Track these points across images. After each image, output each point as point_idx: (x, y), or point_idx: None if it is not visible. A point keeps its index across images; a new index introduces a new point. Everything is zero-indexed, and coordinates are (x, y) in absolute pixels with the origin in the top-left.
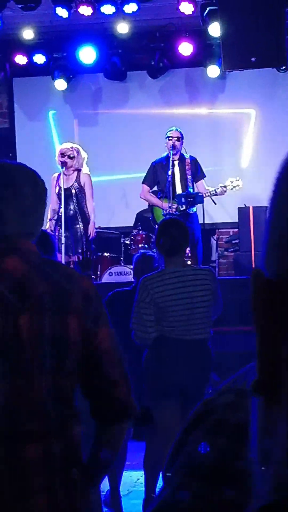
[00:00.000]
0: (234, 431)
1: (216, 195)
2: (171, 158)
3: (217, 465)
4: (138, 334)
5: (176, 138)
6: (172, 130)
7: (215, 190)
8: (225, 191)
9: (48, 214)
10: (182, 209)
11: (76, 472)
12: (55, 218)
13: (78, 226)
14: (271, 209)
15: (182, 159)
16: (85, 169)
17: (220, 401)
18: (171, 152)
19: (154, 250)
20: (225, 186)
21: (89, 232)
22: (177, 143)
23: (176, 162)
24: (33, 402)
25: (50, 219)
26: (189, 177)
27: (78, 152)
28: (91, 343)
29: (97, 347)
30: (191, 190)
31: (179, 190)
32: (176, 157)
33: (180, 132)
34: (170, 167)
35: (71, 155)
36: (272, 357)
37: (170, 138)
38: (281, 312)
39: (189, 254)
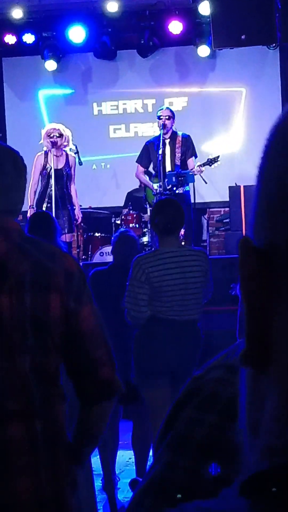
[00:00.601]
0: (225, 406)
1: (194, 175)
2: (161, 138)
3: (207, 441)
4: (132, 313)
5: (166, 117)
6: (163, 109)
7: (192, 169)
8: (201, 171)
9: (28, 198)
10: (167, 187)
11: (61, 452)
12: (42, 200)
13: (70, 207)
14: (259, 177)
15: (173, 137)
16: (71, 146)
17: (210, 376)
18: (162, 131)
19: (146, 230)
20: (200, 166)
21: (77, 216)
22: (167, 121)
23: (167, 141)
24: (15, 381)
25: (30, 206)
26: (178, 155)
27: (63, 130)
28: (74, 322)
29: (80, 326)
30: (181, 169)
31: (168, 168)
32: (168, 135)
33: (170, 111)
34: (161, 146)
35: (59, 133)
36: (260, 327)
37: (160, 117)
38: (269, 281)
39: (183, 235)
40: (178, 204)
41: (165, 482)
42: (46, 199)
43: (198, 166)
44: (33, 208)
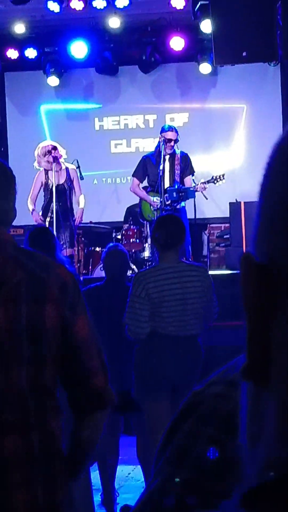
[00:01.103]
0: (224, 421)
1: (196, 191)
2: (162, 153)
3: (205, 456)
4: (132, 329)
5: (173, 141)
6: (172, 131)
7: (195, 186)
8: (204, 188)
9: (29, 207)
10: (167, 203)
11: (57, 465)
12: (45, 214)
13: (71, 222)
14: (261, 194)
15: (172, 154)
16: (69, 164)
17: (210, 391)
18: (162, 146)
19: (146, 245)
20: (204, 183)
21: (76, 217)
22: (173, 143)
23: (167, 157)
24: (11, 393)
25: (33, 210)
26: (177, 172)
27: (58, 146)
28: (69, 332)
29: (75, 336)
30: (177, 186)
31: (167, 184)
32: (171, 150)
33: (176, 132)
34: (161, 162)
35: (53, 147)
36: (261, 342)
37: (167, 140)
38: (270, 297)
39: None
40: (179, 219)
41: (165, 496)
42: (49, 214)
43: (202, 183)
44: (36, 212)
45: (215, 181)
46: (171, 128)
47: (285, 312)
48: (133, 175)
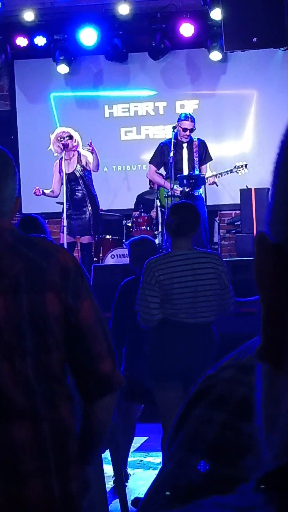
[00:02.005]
0: (236, 406)
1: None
2: (172, 141)
3: (218, 441)
4: (143, 316)
5: (190, 130)
6: (187, 121)
7: (209, 178)
8: (214, 182)
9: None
10: (179, 189)
11: (70, 452)
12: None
13: (86, 208)
14: (276, 172)
15: (190, 141)
16: (86, 154)
17: (222, 376)
18: (174, 134)
19: (157, 232)
20: (216, 175)
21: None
22: (189, 133)
23: (184, 145)
24: (17, 383)
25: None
26: (196, 159)
27: (72, 132)
28: (73, 318)
29: (80, 321)
30: (199, 172)
31: (186, 172)
32: (186, 140)
33: (193, 121)
34: (172, 149)
35: (69, 136)
36: (277, 323)
37: (183, 129)
38: (286, 276)
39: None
40: (193, 207)
41: (177, 480)
42: (66, 203)
43: (212, 176)
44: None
45: (238, 171)
46: (187, 117)
47: None
48: (150, 162)
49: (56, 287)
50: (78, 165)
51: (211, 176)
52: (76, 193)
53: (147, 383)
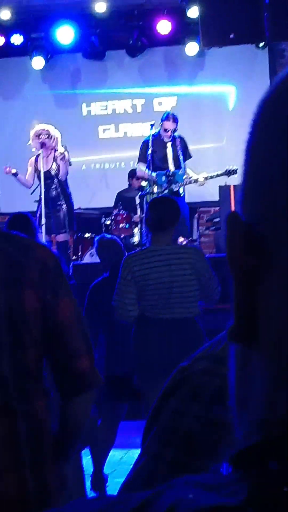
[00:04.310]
0: (210, 397)
1: (193, 183)
2: (151, 138)
3: (192, 432)
4: (119, 311)
5: (171, 130)
6: (169, 121)
7: (196, 179)
8: (204, 183)
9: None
10: (175, 190)
11: (45, 447)
12: (39, 201)
13: (60, 207)
14: (248, 150)
15: (173, 139)
16: (60, 149)
17: (196, 367)
18: (152, 131)
19: (136, 230)
20: (206, 178)
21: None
22: (171, 133)
23: (168, 144)
24: None
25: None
26: (181, 157)
27: (52, 130)
28: (51, 314)
29: (58, 318)
30: (184, 169)
31: (172, 169)
32: (169, 138)
33: (176, 121)
34: (150, 146)
35: (48, 134)
36: (248, 302)
37: (166, 129)
38: (258, 256)
39: (184, 243)
40: (172, 201)
41: (152, 473)
42: (40, 200)
43: (204, 178)
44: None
45: (229, 174)
46: (168, 117)
47: (271, 270)
48: (138, 162)
49: (35, 284)
50: (54, 163)
51: (202, 178)
52: (51, 191)
53: (131, 380)
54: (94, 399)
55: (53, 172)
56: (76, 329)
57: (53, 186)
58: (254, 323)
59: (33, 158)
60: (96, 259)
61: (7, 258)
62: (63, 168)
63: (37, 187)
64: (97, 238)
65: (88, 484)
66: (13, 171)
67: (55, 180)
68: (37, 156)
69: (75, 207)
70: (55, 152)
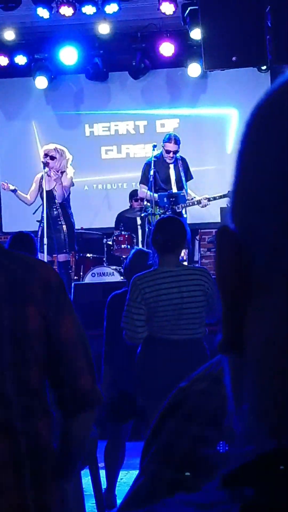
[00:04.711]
0: (209, 418)
1: (196, 205)
2: (153, 159)
3: (190, 453)
4: (128, 333)
5: (173, 152)
6: (170, 143)
7: (198, 201)
8: (207, 205)
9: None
10: (177, 210)
11: (46, 467)
12: (41, 220)
13: (60, 227)
14: (239, 163)
15: (175, 160)
16: (69, 172)
17: (194, 388)
18: (154, 152)
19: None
20: (208, 199)
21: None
22: (173, 155)
23: (171, 165)
24: None
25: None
26: (183, 178)
27: (61, 153)
28: (54, 332)
29: (60, 337)
30: (186, 190)
31: (174, 190)
32: (171, 160)
33: (178, 143)
34: (152, 167)
35: (53, 156)
36: (234, 315)
37: (168, 151)
38: (246, 269)
39: (185, 258)
40: (180, 222)
41: (150, 494)
42: (43, 221)
43: (206, 199)
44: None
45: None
46: (170, 139)
47: (261, 284)
48: (140, 183)
49: (38, 301)
50: (58, 185)
51: (204, 199)
52: (52, 211)
53: (137, 400)
54: (95, 417)
55: (54, 192)
56: (79, 346)
57: (54, 206)
58: (240, 335)
59: (39, 175)
60: (98, 280)
61: (10, 276)
62: (59, 189)
63: (39, 207)
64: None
65: (89, 505)
66: (12, 187)
67: (56, 200)
68: (43, 175)
69: (77, 227)
70: (62, 174)
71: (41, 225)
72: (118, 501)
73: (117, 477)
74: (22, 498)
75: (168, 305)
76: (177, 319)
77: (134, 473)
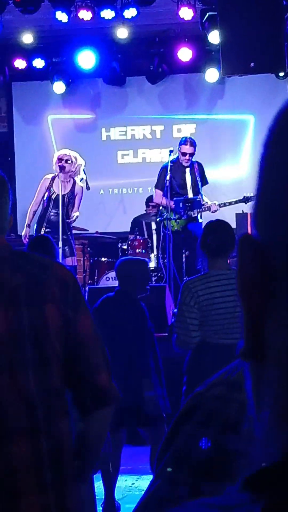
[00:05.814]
0: (224, 423)
1: (207, 210)
2: (169, 164)
3: (205, 456)
4: (181, 338)
5: (190, 154)
6: (187, 145)
7: (209, 207)
8: (216, 210)
9: (27, 217)
10: (193, 215)
11: (67, 468)
12: (40, 224)
13: (68, 234)
14: (262, 169)
15: (191, 164)
16: (81, 176)
17: (211, 393)
18: (171, 157)
19: (152, 255)
20: (219, 205)
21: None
22: (189, 157)
23: (187, 170)
24: (18, 398)
25: (27, 225)
26: (199, 183)
27: (75, 158)
28: (72, 330)
29: (78, 334)
30: (202, 195)
31: (190, 195)
32: (187, 164)
33: (194, 146)
34: (168, 172)
35: (69, 160)
36: (255, 324)
37: (184, 153)
38: (269, 277)
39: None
40: (228, 225)
41: (166, 497)
42: (45, 224)
43: (216, 205)
44: (28, 227)
45: (246, 201)
46: (186, 141)
47: (282, 293)
48: (155, 187)
49: (56, 300)
50: (70, 192)
51: (216, 204)
52: (57, 216)
53: (145, 408)
54: (112, 414)
55: (66, 199)
56: (95, 343)
57: (64, 212)
58: (261, 344)
59: (49, 176)
60: (112, 284)
61: (28, 276)
62: (78, 200)
63: (46, 210)
64: None
65: (99, 509)
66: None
67: (66, 206)
68: (54, 176)
69: (92, 231)
70: (74, 181)
71: (47, 230)
72: (122, 507)
73: (115, 483)
74: (45, 500)
75: (221, 308)
76: (231, 322)
77: (146, 478)
